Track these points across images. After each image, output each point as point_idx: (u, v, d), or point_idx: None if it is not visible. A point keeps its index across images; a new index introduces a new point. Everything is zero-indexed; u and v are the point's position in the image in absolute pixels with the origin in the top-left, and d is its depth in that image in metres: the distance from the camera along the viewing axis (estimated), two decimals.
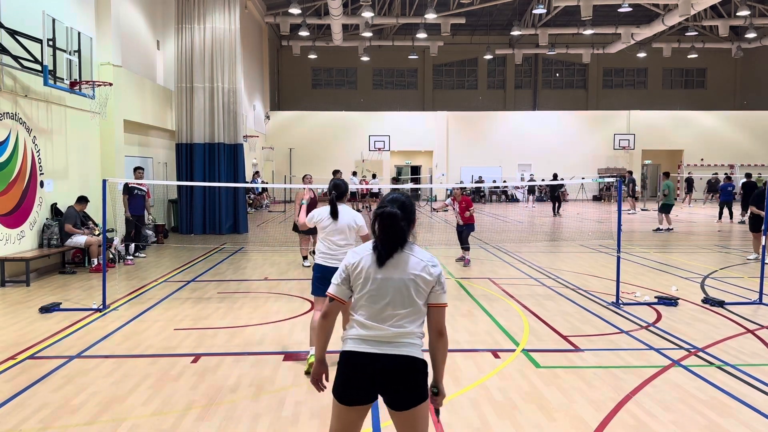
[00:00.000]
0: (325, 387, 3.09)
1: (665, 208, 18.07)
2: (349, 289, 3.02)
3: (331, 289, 3.04)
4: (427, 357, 2.96)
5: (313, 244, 11.70)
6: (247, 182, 24.79)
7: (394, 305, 2.90)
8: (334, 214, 5.63)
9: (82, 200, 11.62)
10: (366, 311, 2.94)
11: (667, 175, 19.29)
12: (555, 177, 27.31)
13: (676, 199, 18.07)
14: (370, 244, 3.05)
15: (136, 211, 12.93)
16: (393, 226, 2.94)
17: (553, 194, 25.92)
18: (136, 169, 13.25)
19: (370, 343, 2.88)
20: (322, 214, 5.73)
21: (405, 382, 2.85)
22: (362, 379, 2.86)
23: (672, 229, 18.06)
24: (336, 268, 3.23)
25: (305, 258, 11.91)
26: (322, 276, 5.54)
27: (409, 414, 2.85)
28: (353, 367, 2.89)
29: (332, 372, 3.01)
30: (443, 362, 3.01)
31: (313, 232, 11.37)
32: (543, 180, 31.23)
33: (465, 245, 11.97)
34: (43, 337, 6.82)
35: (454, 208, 12.12)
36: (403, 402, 2.85)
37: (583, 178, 23.91)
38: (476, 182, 33.54)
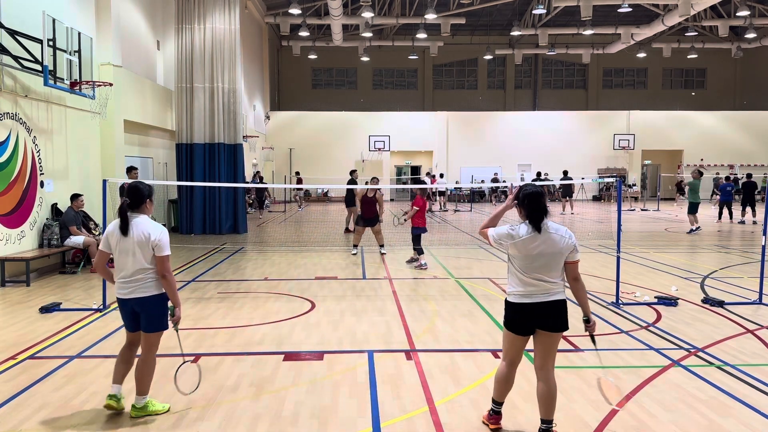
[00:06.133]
0: None
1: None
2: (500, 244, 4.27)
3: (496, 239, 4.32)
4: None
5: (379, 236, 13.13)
6: (247, 182, 24.76)
7: (547, 270, 4.14)
8: (124, 228, 4.58)
9: (76, 197, 11.49)
10: (526, 276, 4.16)
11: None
12: (495, 179, 27.72)
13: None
14: (524, 225, 4.17)
15: None
16: (539, 200, 4.16)
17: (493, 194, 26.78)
18: (129, 169, 13.19)
19: (529, 297, 4.16)
20: (109, 230, 4.64)
21: (557, 315, 4.17)
22: (523, 320, 4.21)
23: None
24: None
25: (356, 246, 13.38)
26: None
27: (555, 336, 4.21)
28: (519, 312, 4.21)
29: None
30: (584, 298, 4.24)
31: (369, 224, 12.90)
32: (546, 179, 31.15)
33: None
34: (43, 337, 6.82)
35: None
36: (555, 327, 4.18)
37: (583, 178, 23.88)
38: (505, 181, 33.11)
